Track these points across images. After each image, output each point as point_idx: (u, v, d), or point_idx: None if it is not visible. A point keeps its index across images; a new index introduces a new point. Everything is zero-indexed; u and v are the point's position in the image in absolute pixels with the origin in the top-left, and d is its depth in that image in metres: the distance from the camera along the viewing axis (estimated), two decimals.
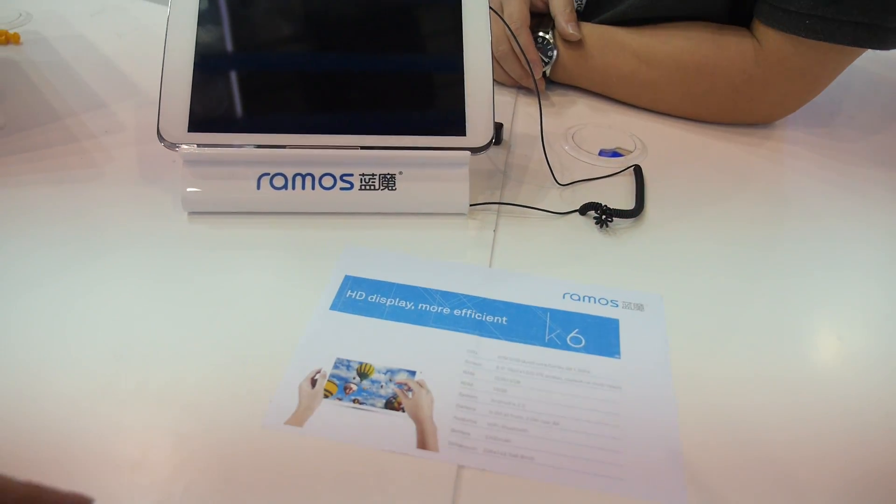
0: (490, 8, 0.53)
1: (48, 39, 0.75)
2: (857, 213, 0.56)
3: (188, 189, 0.49)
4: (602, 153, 0.60)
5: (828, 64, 0.60)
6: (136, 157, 0.56)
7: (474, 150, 0.49)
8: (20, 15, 0.80)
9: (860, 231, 0.53)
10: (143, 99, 0.65)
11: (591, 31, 0.66)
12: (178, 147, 0.48)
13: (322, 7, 0.52)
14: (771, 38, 0.60)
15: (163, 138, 0.48)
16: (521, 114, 0.66)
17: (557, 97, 0.69)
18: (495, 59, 0.66)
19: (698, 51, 0.62)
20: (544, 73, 0.68)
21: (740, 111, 0.64)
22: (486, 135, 0.50)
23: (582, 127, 0.64)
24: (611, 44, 0.66)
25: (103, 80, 0.68)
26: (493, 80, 0.51)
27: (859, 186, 0.59)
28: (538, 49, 0.66)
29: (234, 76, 0.50)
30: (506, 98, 0.68)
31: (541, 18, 0.68)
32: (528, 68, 0.64)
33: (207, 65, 0.50)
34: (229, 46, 0.51)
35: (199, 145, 0.48)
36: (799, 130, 0.67)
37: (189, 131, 0.48)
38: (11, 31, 0.75)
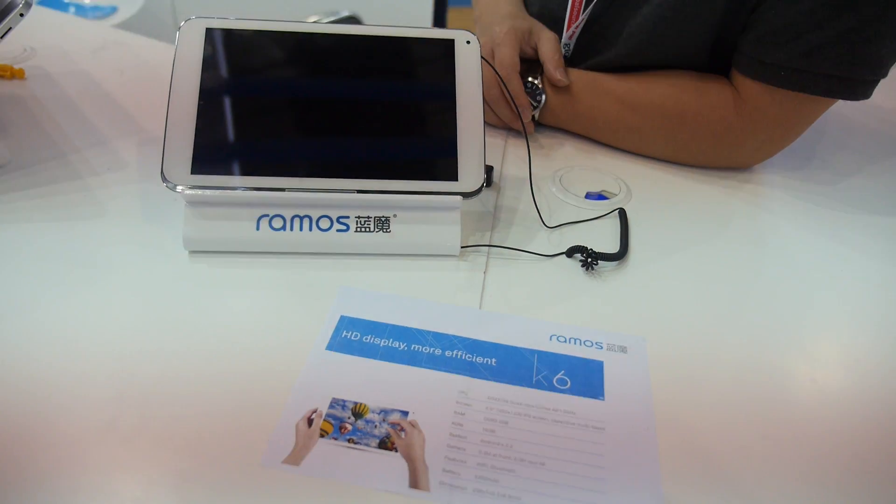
0: (482, 57, 0.56)
1: (52, 75, 0.77)
2: (831, 255, 0.58)
3: (189, 229, 0.50)
4: (588, 196, 0.62)
5: (803, 112, 0.63)
6: (139, 194, 0.58)
7: (466, 195, 0.52)
8: (25, 50, 0.82)
9: (835, 273, 0.56)
10: (144, 136, 0.67)
11: (579, 76, 0.69)
12: (180, 189, 0.49)
13: (320, 57, 0.55)
14: (749, 88, 0.63)
15: (167, 180, 0.50)
16: (510, 155, 0.68)
17: (546, 139, 0.72)
18: (486, 103, 0.68)
19: (680, 98, 0.65)
20: (533, 116, 0.70)
21: (721, 157, 0.67)
22: (477, 180, 0.52)
23: (569, 169, 0.66)
24: (597, 89, 0.68)
25: (106, 117, 0.69)
26: (485, 125, 0.53)
27: (833, 229, 0.62)
28: (528, 93, 0.69)
29: (235, 121, 0.52)
30: (496, 140, 0.70)
31: (530, 64, 0.71)
32: (517, 112, 0.66)
33: (210, 110, 0.52)
34: (231, 93, 0.53)
35: (201, 187, 0.50)
36: (776, 174, 0.70)
37: (192, 173, 0.50)
38: (16, 67, 0.77)
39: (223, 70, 0.53)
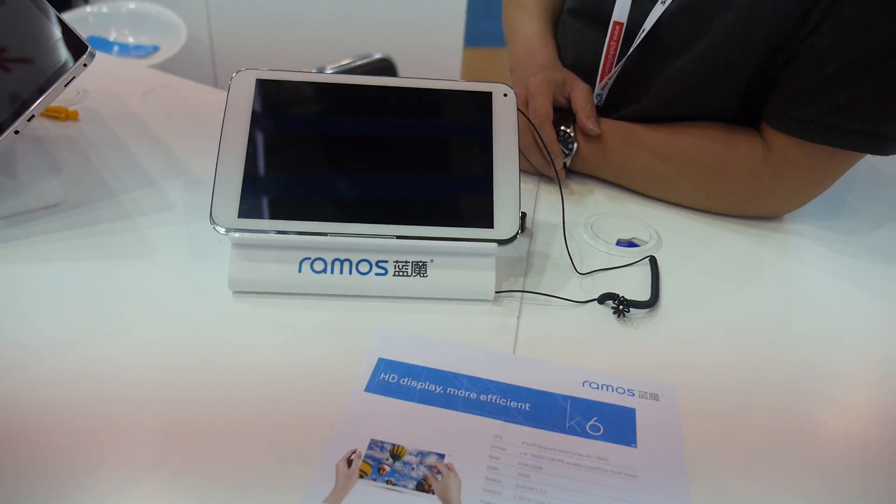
0: (517, 109, 0.58)
1: (104, 117, 0.81)
2: (861, 306, 0.59)
3: (235, 270, 0.53)
4: (619, 243, 0.64)
5: (832, 165, 0.64)
6: (185, 234, 0.61)
7: (501, 242, 0.53)
8: (78, 93, 0.86)
9: (864, 324, 0.56)
10: (190, 177, 0.70)
11: (610, 126, 0.71)
12: (228, 232, 0.52)
13: (362, 108, 0.57)
14: (779, 140, 0.64)
15: (215, 223, 0.52)
16: (542, 202, 0.70)
17: (577, 186, 0.73)
18: (520, 150, 0.70)
19: (710, 149, 0.67)
20: (565, 163, 0.72)
21: (750, 206, 0.68)
22: (512, 228, 0.54)
23: (600, 216, 0.68)
24: (628, 139, 0.70)
25: (154, 158, 0.73)
26: (520, 174, 0.55)
27: (862, 279, 0.62)
28: (560, 141, 0.71)
29: (281, 169, 0.55)
30: (529, 186, 0.72)
31: (563, 113, 0.73)
32: (549, 160, 0.68)
33: (257, 157, 0.54)
34: (277, 142, 0.56)
35: (247, 230, 0.52)
36: (806, 223, 0.70)
37: (239, 217, 0.52)
38: (71, 109, 0.81)
39: (270, 120, 0.56)
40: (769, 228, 0.69)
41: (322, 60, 1.61)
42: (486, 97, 0.58)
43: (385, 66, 1.67)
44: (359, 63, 1.60)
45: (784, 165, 0.64)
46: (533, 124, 0.68)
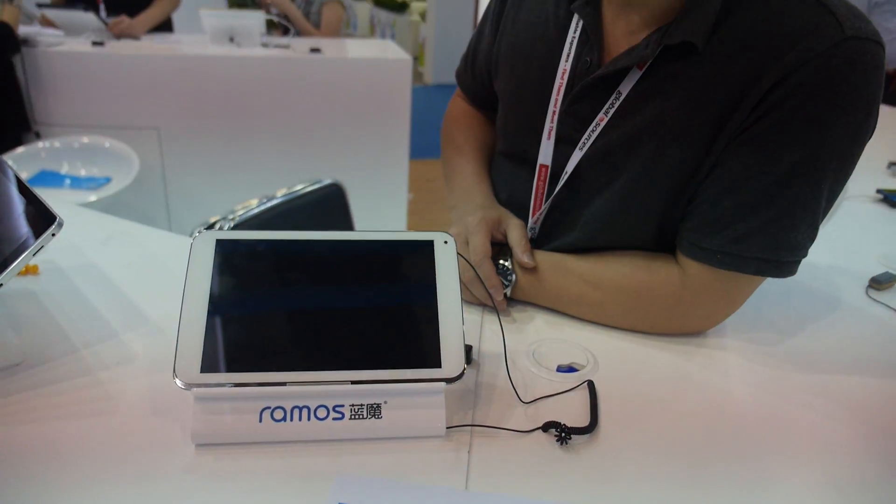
0: (458, 253, 0.64)
1: (64, 269, 0.84)
2: (780, 414, 0.64)
3: (198, 424, 0.55)
4: (559, 369, 0.69)
5: (741, 286, 0.72)
6: (148, 388, 0.63)
7: (449, 380, 0.58)
8: None
9: (784, 432, 0.62)
10: (151, 328, 0.73)
11: (544, 258, 0.78)
12: (191, 387, 0.55)
13: (316, 261, 0.62)
14: (692, 267, 0.72)
15: (178, 379, 0.55)
16: (487, 332, 0.75)
17: (518, 314, 0.79)
18: (463, 284, 0.76)
19: (635, 276, 0.74)
20: (505, 294, 0.78)
21: (674, 326, 0.75)
22: (458, 366, 0.58)
23: (541, 343, 0.73)
24: (561, 269, 0.77)
25: (115, 309, 0.76)
26: (463, 314, 0.60)
27: (782, 390, 0.68)
28: (499, 274, 0.78)
29: (240, 324, 0.59)
30: (474, 317, 0.77)
31: (501, 247, 0.80)
32: (490, 293, 0.74)
33: (218, 314, 0.58)
34: (237, 298, 0.60)
35: (209, 385, 0.55)
36: (727, 337, 0.77)
37: (201, 372, 0.56)
38: (31, 263, 0.84)
39: (229, 277, 0.60)
40: (694, 344, 0.75)
41: (273, 187, 1.68)
42: (429, 245, 0.64)
43: (334, 191, 1.75)
44: (309, 189, 1.67)
45: (699, 289, 0.72)
46: (471, 263, 0.74)
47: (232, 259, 0.61)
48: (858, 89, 0.62)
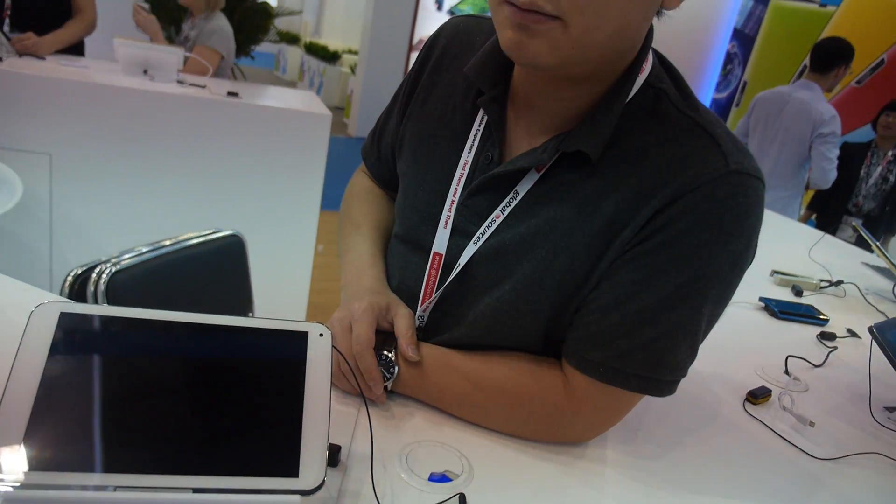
0: (333, 347, 0.60)
1: None
2: None
3: None
4: (432, 477, 0.65)
5: (623, 400, 0.71)
6: None
7: (305, 493, 0.52)
8: None
9: None
10: None
11: (429, 352, 0.75)
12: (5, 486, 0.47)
13: (170, 347, 0.56)
14: (576, 377, 0.70)
15: None
16: (362, 427, 0.70)
17: (398, 408, 0.75)
18: (342, 372, 0.72)
19: (518, 380, 0.72)
20: (386, 387, 0.74)
21: (555, 434, 0.73)
22: (318, 477, 0.53)
23: (416, 446, 0.69)
24: (446, 366, 0.74)
25: None
26: (330, 418, 0.56)
27: None
28: (382, 365, 0.74)
29: (71, 414, 0.52)
30: (350, 409, 0.73)
31: (386, 336, 0.76)
32: (369, 386, 0.70)
33: (47, 402, 0.51)
34: (71, 384, 0.53)
35: (22, 485, 0.48)
36: (607, 448, 0.76)
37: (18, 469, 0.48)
38: None
39: (68, 358, 0.54)
40: (574, 455, 0.73)
41: (171, 231, 1.57)
42: (303, 337, 0.60)
43: (233, 242, 1.66)
44: (203, 239, 1.58)
45: (581, 400, 0.70)
46: (345, 358, 0.71)
47: (76, 338, 0.55)
48: (740, 221, 0.63)
